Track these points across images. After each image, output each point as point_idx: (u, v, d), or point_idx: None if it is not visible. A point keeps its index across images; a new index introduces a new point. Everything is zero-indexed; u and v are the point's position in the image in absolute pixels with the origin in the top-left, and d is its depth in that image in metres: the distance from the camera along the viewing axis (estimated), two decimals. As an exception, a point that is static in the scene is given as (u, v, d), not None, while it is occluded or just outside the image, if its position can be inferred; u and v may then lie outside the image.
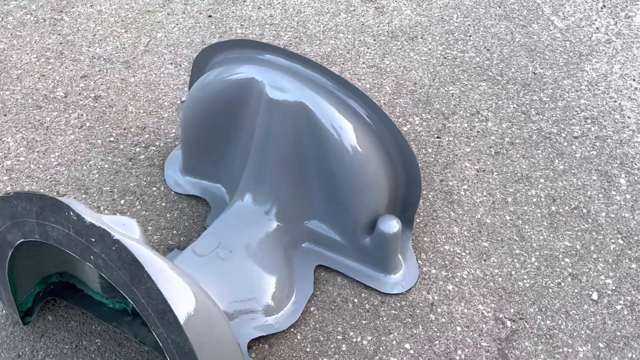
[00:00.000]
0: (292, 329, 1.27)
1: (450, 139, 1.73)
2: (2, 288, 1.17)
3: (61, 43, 2.03)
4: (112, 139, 1.69)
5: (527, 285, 1.38)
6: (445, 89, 1.91)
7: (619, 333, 1.30)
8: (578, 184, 1.62)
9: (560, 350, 1.27)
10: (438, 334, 1.28)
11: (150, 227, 1.46)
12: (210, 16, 2.19)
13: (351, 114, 1.29)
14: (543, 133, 1.76)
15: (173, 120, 1.75)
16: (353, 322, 1.30)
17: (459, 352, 1.26)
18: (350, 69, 1.97)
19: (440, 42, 2.11)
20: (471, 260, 1.42)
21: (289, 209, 1.38)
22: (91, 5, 2.22)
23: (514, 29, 2.18)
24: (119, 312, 1.24)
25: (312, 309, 1.32)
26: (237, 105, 1.36)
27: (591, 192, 1.60)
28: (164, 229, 1.46)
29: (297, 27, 2.15)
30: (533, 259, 1.43)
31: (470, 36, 2.14)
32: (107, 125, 1.73)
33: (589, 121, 1.81)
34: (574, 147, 1.73)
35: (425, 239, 1.46)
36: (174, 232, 1.46)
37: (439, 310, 1.32)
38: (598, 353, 1.26)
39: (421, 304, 1.33)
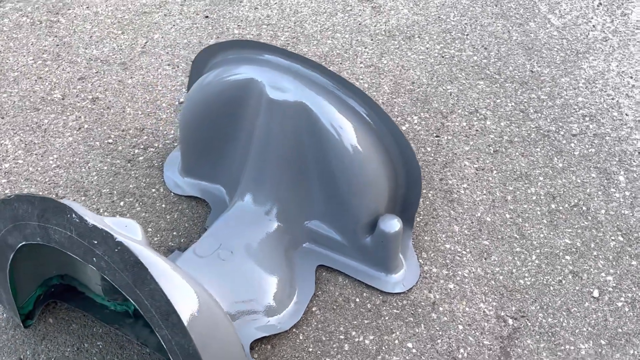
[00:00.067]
0: (294, 329, 1.27)
1: (449, 137, 1.73)
2: (3, 291, 1.16)
3: (58, 45, 2.03)
4: (110, 140, 1.68)
5: (528, 283, 1.38)
6: (443, 88, 1.91)
7: (620, 330, 1.30)
8: (577, 182, 1.62)
9: (562, 347, 1.27)
10: (440, 333, 1.28)
11: (150, 229, 1.45)
12: (207, 17, 2.18)
13: (351, 113, 1.28)
14: (541, 131, 1.77)
15: (171, 122, 1.75)
16: (355, 322, 1.30)
17: (462, 350, 1.26)
18: (348, 69, 1.97)
19: (437, 41, 2.11)
20: (472, 259, 1.42)
21: (289, 209, 1.38)
22: (87, 7, 2.21)
23: (510, 28, 2.18)
24: (120, 314, 1.24)
25: (314, 309, 1.32)
26: (237, 106, 1.36)
27: (590, 190, 1.60)
28: (164, 230, 1.45)
29: (295, 27, 2.15)
30: (534, 257, 1.43)
31: (467, 35, 2.14)
32: (105, 127, 1.72)
33: (587, 119, 1.82)
34: (572, 144, 1.73)
35: (425, 238, 1.46)
36: (174, 233, 1.45)
37: (440, 309, 1.32)
38: (600, 350, 1.27)
39: (423, 303, 1.33)
